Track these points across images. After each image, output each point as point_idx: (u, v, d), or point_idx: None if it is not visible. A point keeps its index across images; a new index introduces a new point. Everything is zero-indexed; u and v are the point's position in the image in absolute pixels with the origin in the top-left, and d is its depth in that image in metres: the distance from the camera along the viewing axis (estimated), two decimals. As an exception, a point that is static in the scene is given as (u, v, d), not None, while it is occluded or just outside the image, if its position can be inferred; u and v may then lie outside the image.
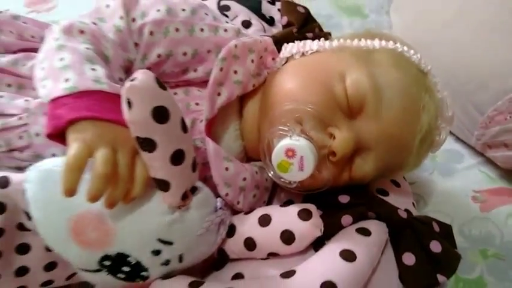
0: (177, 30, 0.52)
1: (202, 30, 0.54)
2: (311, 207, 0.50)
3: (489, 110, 0.72)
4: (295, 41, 0.59)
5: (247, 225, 0.51)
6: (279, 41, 0.59)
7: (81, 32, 0.48)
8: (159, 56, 0.52)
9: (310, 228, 0.49)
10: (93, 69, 0.44)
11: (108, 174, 0.39)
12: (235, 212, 0.54)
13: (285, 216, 0.50)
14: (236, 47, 0.53)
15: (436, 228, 0.53)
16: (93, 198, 0.39)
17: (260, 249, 0.50)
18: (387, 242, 0.51)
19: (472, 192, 0.74)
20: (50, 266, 0.49)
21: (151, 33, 0.51)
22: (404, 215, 0.53)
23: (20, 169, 0.50)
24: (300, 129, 0.49)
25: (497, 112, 0.71)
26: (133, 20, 0.51)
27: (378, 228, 0.51)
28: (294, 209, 0.50)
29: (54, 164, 0.44)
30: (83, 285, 0.54)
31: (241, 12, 0.67)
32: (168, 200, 0.44)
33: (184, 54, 0.53)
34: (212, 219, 0.48)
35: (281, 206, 0.53)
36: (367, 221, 0.52)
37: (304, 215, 0.49)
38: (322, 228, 0.49)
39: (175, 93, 0.55)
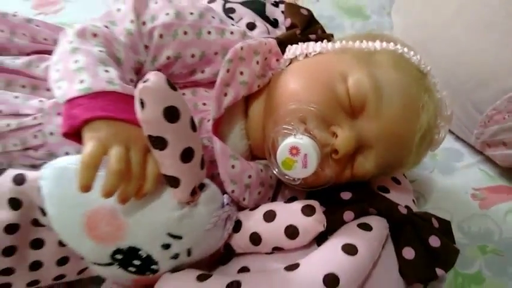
0: (185, 33, 0.53)
1: (209, 33, 0.55)
2: (314, 203, 0.51)
3: (488, 109, 0.73)
4: (299, 43, 0.60)
5: (253, 221, 0.52)
6: (283, 43, 0.60)
7: (94, 35, 0.50)
8: (168, 58, 0.53)
9: (314, 224, 0.50)
10: (107, 71, 0.46)
11: (121, 171, 0.40)
12: (241, 208, 0.55)
13: (289, 212, 0.51)
14: (242, 49, 0.54)
15: (436, 224, 0.55)
16: (108, 194, 0.41)
17: (265, 244, 0.51)
18: (388, 237, 0.53)
19: (471, 190, 0.75)
20: (63, 261, 0.51)
21: (160, 36, 0.53)
22: (404, 211, 0.54)
23: (35, 167, 0.53)
24: (304, 128, 0.51)
25: (496, 111, 0.72)
26: (144, 23, 0.53)
27: (378, 224, 0.52)
28: (297, 205, 0.51)
29: (68, 162, 0.45)
30: (94, 279, 0.56)
31: (246, 15, 0.68)
32: (177, 196, 0.45)
33: (192, 56, 0.54)
34: (219, 214, 0.49)
35: (285, 202, 0.54)
36: (368, 217, 0.53)
37: (308, 210, 0.50)
38: (325, 224, 0.51)
39: (183, 94, 0.56)
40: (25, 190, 0.47)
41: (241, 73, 0.55)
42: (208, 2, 0.70)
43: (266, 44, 0.58)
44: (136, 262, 0.48)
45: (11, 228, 0.47)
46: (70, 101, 0.44)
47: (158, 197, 0.45)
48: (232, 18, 0.68)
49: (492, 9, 0.75)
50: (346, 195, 0.55)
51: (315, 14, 0.69)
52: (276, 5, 0.73)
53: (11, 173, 0.48)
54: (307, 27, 0.66)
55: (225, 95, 0.55)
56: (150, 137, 0.41)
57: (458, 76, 0.78)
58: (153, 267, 0.48)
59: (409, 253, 0.51)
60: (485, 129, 0.75)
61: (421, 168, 0.78)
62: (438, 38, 0.83)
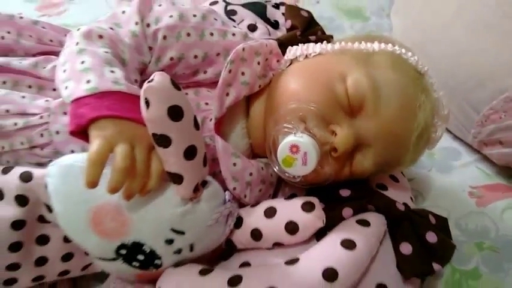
0: (188, 34, 0.54)
1: (212, 34, 0.56)
2: (314, 200, 0.52)
3: (485, 109, 0.73)
4: (299, 44, 0.61)
5: (254, 217, 0.53)
6: (284, 44, 0.61)
7: (100, 36, 0.51)
8: (171, 58, 0.54)
9: (313, 220, 0.51)
10: (112, 72, 0.47)
11: (127, 168, 0.41)
12: (242, 205, 0.56)
13: (289, 208, 0.52)
14: (244, 50, 0.55)
15: (433, 220, 0.55)
16: (113, 190, 0.41)
17: (266, 240, 0.52)
18: (386, 232, 0.53)
19: (469, 188, 0.75)
20: (67, 257, 0.51)
21: (164, 37, 0.54)
22: (402, 207, 0.55)
23: (41, 165, 0.53)
24: (304, 126, 0.51)
25: (492, 111, 0.72)
26: (148, 25, 0.54)
27: (376, 220, 0.53)
28: (297, 202, 0.52)
29: (74, 160, 0.46)
30: (97, 276, 0.57)
31: (247, 17, 0.69)
32: (180, 192, 0.46)
33: (195, 57, 0.55)
34: (221, 211, 0.50)
35: (285, 199, 0.55)
36: (366, 213, 0.54)
37: (308, 207, 0.51)
38: (324, 220, 0.51)
39: (186, 94, 0.56)
40: (32, 187, 0.48)
41: (243, 73, 0.56)
42: (210, 4, 0.71)
43: (267, 45, 0.59)
44: (140, 257, 0.48)
45: (18, 225, 0.48)
46: (77, 100, 0.44)
47: (162, 193, 0.46)
48: (233, 20, 0.68)
49: (490, 10, 0.76)
50: (345, 193, 0.56)
51: (315, 16, 0.70)
52: (276, 6, 0.74)
53: (18, 170, 0.49)
54: (307, 29, 0.66)
55: (227, 94, 0.55)
56: (154, 135, 0.42)
57: (456, 76, 0.78)
58: (157, 262, 0.49)
59: (406, 248, 0.52)
60: (483, 128, 0.75)
61: (419, 166, 0.78)
62: (437, 39, 0.84)
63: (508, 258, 0.64)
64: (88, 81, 0.45)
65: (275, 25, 0.71)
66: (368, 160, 0.54)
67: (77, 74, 0.46)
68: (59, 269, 0.52)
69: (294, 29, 0.66)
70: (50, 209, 0.48)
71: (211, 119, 0.55)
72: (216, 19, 0.58)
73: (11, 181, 0.48)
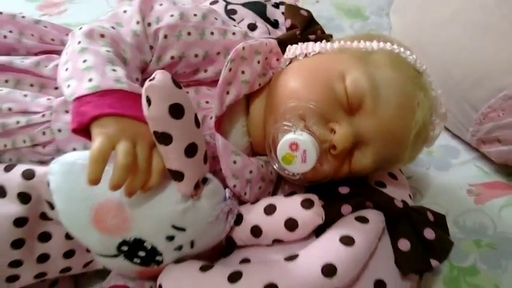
0: (189, 34, 0.55)
1: (212, 33, 0.56)
2: (313, 197, 0.53)
3: (483, 107, 0.74)
4: (299, 43, 0.62)
5: (254, 214, 0.53)
6: (283, 43, 0.61)
7: (102, 36, 0.51)
8: (172, 57, 0.55)
9: (312, 216, 0.51)
10: (114, 70, 0.47)
11: (128, 165, 0.42)
12: (242, 202, 0.56)
13: (289, 206, 0.52)
14: (244, 49, 0.56)
15: (431, 217, 0.56)
16: (115, 187, 0.42)
17: (266, 236, 0.53)
18: (384, 229, 0.54)
19: (467, 186, 0.76)
20: (69, 254, 0.52)
21: (165, 36, 0.54)
22: (400, 204, 0.55)
23: (43, 163, 0.54)
24: (303, 124, 0.52)
25: (491, 109, 0.73)
26: (149, 24, 0.54)
27: (375, 217, 0.53)
28: (297, 199, 0.52)
29: (76, 158, 0.46)
30: (98, 273, 0.57)
31: (247, 16, 0.69)
32: (181, 189, 0.46)
33: (196, 56, 0.56)
34: (221, 207, 0.50)
35: (285, 196, 0.55)
36: (365, 210, 0.54)
37: (307, 204, 0.52)
38: (324, 217, 0.52)
39: (186, 92, 0.56)
40: (34, 185, 0.48)
41: (243, 72, 0.57)
42: (211, 4, 0.71)
43: (267, 44, 0.59)
44: (142, 253, 0.49)
45: (20, 222, 0.48)
46: (79, 98, 0.45)
47: (163, 190, 0.47)
48: (234, 19, 0.68)
49: (488, 10, 0.77)
50: (344, 190, 0.56)
51: (315, 15, 0.70)
52: (276, 6, 0.74)
53: (20, 168, 0.49)
54: (307, 28, 0.67)
55: (227, 93, 0.56)
56: (155, 132, 0.43)
57: (454, 75, 0.79)
58: (158, 258, 0.50)
59: (404, 245, 0.52)
60: (481, 126, 0.76)
61: (418, 164, 0.79)
62: (435, 38, 0.84)
63: (506, 255, 0.65)
64: (90, 80, 0.45)
65: (275, 24, 0.71)
66: (367, 158, 0.55)
67: (79, 73, 0.47)
68: (60, 266, 0.52)
69: (294, 28, 0.67)
70: (52, 206, 0.48)
71: (211, 117, 0.56)
72: (216, 18, 0.58)
73: (14, 179, 0.48)
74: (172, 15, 0.55)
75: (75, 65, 0.48)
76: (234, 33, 0.58)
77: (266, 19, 0.70)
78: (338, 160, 0.54)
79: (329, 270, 0.46)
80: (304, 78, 0.56)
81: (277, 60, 0.61)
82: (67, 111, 0.54)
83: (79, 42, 0.50)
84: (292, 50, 0.61)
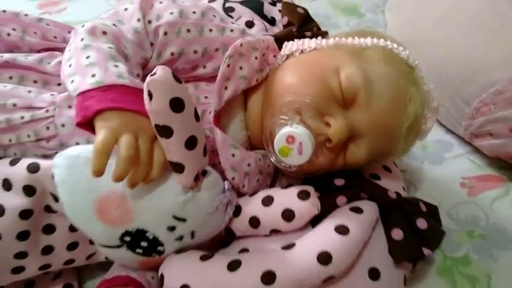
0: (188, 31, 0.56)
1: (211, 30, 0.57)
2: (309, 188, 0.54)
3: (475, 102, 0.75)
4: (295, 40, 0.62)
5: (252, 205, 0.54)
6: (280, 40, 0.62)
7: (104, 33, 0.52)
8: (172, 54, 0.56)
9: (309, 207, 0.52)
10: (116, 66, 0.48)
11: (131, 158, 0.43)
12: (240, 194, 0.57)
13: (286, 197, 0.53)
14: (242, 46, 0.57)
15: (423, 208, 0.57)
16: (118, 178, 0.43)
17: (263, 227, 0.54)
18: (378, 219, 0.55)
19: (460, 179, 0.77)
20: (73, 246, 0.53)
21: (165, 33, 0.55)
22: (393, 195, 0.57)
23: (47, 157, 0.55)
24: (299, 118, 0.53)
25: (482, 104, 0.74)
26: (149, 22, 0.55)
27: (369, 207, 0.54)
28: (294, 190, 0.53)
29: (80, 151, 0.48)
30: (101, 265, 0.58)
31: (245, 13, 0.70)
32: (182, 181, 0.47)
33: (195, 52, 0.57)
34: (221, 199, 0.51)
35: (282, 188, 0.56)
36: (360, 201, 0.55)
37: (303, 195, 0.53)
38: (320, 207, 0.53)
39: (186, 88, 0.59)
40: (39, 178, 0.49)
41: (241, 68, 0.58)
42: (209, 2, 0.72)
43: (264, 41, 0.60)
44: (144, 244, 0.50)
45: (25, 214, 0.49)
46: (83, 93, 0.46)
47: (164, 182, 0.48)
48: (231, 17, 0.70)
49: (481, 8, 0.77)
50: (339, 182, 0.57)
51: (311, 13, 0.71)
52: (273, 4, 0.75)
53: (25, 162, 0.50)
54: (303, 25, 0.67)
55: (226, 88, 0.57)
56: (157, 126, 0.44)
57: (448, 72, 0.80)
58: (159, 248, 0.51)
59: (397, 234, 0.53)
60: (473, 120, 0.77)
61: (413, 158, 0.80)
62: (429, 35, 0.85)
63: (497, 246, 0.66)
64: (93, 75, 0.46)
65: (272, 22, 0.72)
66: (361, 150, 0.56)
67: (83, 69, 0.48)
68: (64, 258, 0.53)
69: (290, 25, 0.67)
70: (56, 198, 0.49)
71: (210, 112, 0.56)
72: (214, 16, 0.59)
73: (19, 172, 0.49)
74: (172, 13, 0.56)
75: (79, 61, 0.49)
76: (232, 30, 0.59)
77: (263, 16, 0.71)
78: (333, 153, 0.55)
79: (324, 258, 0.47)
80: (300, 73, 0.57)
81: (274, 56, 0.62)
82: (70, 107, 0.55)
83: (82, 39, 0.51)
84: (289, 46, 0.61)
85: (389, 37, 0.63)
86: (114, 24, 0.54)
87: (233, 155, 0.57)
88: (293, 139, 0.50)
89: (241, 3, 0.72)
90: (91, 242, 0.53)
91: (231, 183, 0.56)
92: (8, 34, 0.63)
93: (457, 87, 0.79)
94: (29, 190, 0.49)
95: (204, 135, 0.48)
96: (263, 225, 0.54)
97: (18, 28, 0.64)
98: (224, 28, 0.59)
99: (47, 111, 0.55)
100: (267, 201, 0.54)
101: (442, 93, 0.75)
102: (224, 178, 0.55)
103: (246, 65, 0.58)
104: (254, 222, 0.54)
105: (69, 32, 0.63)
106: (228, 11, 0.70)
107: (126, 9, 0.56)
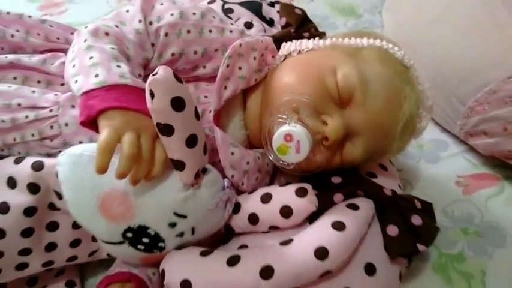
0: (188, 31, 0.57)
1: (210, 31, 0.58)
2: (307, 186, 0.55)
3: (470, 101, 0.75)
4: (293, 40, 0.63)
5: (251, 203, 0.55)
6: (278, 40, 0.63)
7: (106, 34, 0.53)
8: (173, 54, 0.57)
9: (306, 204, 0.53)
10: (119, 66, 0.49)
11: (133, 155, 0.43)
12: (240, 192, 0.58)
13: (284, 194, 0.54)
14: (241, 46, 0.58)
15: (418, 205, 0.58)
16: (121, 176, 0.43)
17: (262, 223, 0.55)
18: (374, 216, 0.56)
19: (456, 177, 0.78)
20: (75, 243, 0.53)
21: (166, 34, 0.56)
22: (389, 193, 0.58)
23: (50, 156, 0.56)
24: (297, 117, 0.54)
25: (477, 103, 0.74)
26: (151, 23, 0.56)
27: (365, 204, 0.55)
28: (291, 188, 0.54)
29: (83, 149, 0.48)
30: (102, 263, 0.59)
31: (244, 15, 0.71)
32: (183, 178, 0.48)
33: (195, 52, 0.58)
34: (220, 196, 0.52)
35: (280, 186, 0.57)
36: (356, 199, 0.56)
37: (301, 192, 0.54)
38: (317, 204, 0.54)
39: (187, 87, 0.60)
40: (43, 176, 0.50)
41: (240, 68, 0.59)
42: (208, 3, 0.73)
43: (263, 42, 0.61)
44: (145, 240, 0.51)
45: (30, 211, 0.49)
46: (86, 93, 0.47)
47: (165, 179, 0.49)
48: (230, 18, 0.70)
49: (476, 9, 0.78)
50: (336, 180, 0.58)
51: (309, 14, 0.72)
52: (271, 5, 0.75)
53: (29, 160, 0.51)
54: (301, 26, 0.69)
55: (225, 88, 0.58)
56: (158, 124, 0.45)
57: (443, 72, 0.80)
58: (161, 244, 0.51)
59: (393, 230, 0.54)
60: (468, 120, 0.77)
61: (409, 157, 0.81)
62: (425, 35, 0.86)
63: (492, 243, 0.67)
64: (96, 75, 0.47)
65: (270, 23, 0.73)
66: (357, 148, 0.57)
67: (86, 69, 0.49)
68: (67, 255, 0.54)
69: (289, 26, 0.69)
70: (59, 196, 0.50)
71: (210, 111, 0.57)
72: (214, 17, 0.60)
73: (23, 170, 0.50)
74: (172, 14, 0.57)
75: (82, 62, 0.50)
76: (231, 31, 0.60)
77: (262, 17, 0.72)
78: (330, 151, 0.56)
79: (321, 253, 0.48)
80: (298, 73, 0.58)
81: (273, 56, 0.63)
82: (73, 106, 0.56)
83: (85, 40, 0.52)
84: (287, 46, 0.63)
85: (385, 37, 0.64)
86: (116, 26, 0.55)
87: (232, 154, 0.57)
88: (291, 137, 0.51)
89: (240, 4, 0.73)
90: (93, 239, 0.54)
91: (231, 181, 0.56)
92: (12, 35, 0.64)
93: (452, 86, 0.79)
94: (33, 188, 0.50)
95: (204, 134, 0.49)
96: (262, 221, 0.55)
97: (22, 29, 0.64)
98: (223, 29, 0.60)
99: (51, 110, 0.56)
100: (266, 198, 0.55)
101: (437, 93, 0.76)
102: (224, 176, 0.55)
103: (245, 65, 0.59)
104: (253, 219, 0.55)
105: (72, 34, 0.64)
106: (227, 12, 0.71)
107: (127, 10, 0.57)
